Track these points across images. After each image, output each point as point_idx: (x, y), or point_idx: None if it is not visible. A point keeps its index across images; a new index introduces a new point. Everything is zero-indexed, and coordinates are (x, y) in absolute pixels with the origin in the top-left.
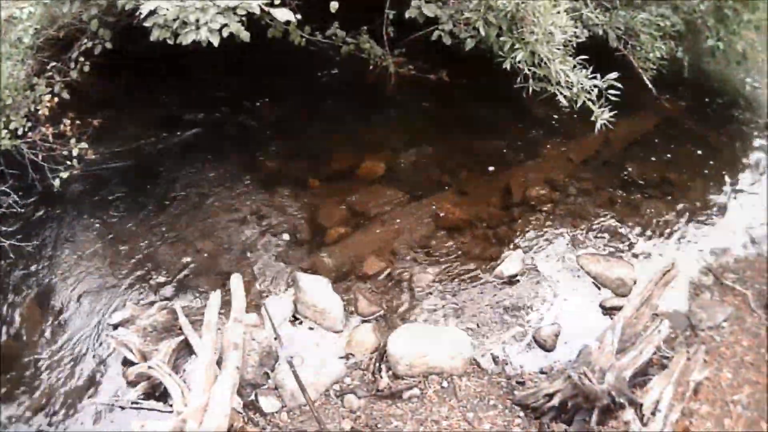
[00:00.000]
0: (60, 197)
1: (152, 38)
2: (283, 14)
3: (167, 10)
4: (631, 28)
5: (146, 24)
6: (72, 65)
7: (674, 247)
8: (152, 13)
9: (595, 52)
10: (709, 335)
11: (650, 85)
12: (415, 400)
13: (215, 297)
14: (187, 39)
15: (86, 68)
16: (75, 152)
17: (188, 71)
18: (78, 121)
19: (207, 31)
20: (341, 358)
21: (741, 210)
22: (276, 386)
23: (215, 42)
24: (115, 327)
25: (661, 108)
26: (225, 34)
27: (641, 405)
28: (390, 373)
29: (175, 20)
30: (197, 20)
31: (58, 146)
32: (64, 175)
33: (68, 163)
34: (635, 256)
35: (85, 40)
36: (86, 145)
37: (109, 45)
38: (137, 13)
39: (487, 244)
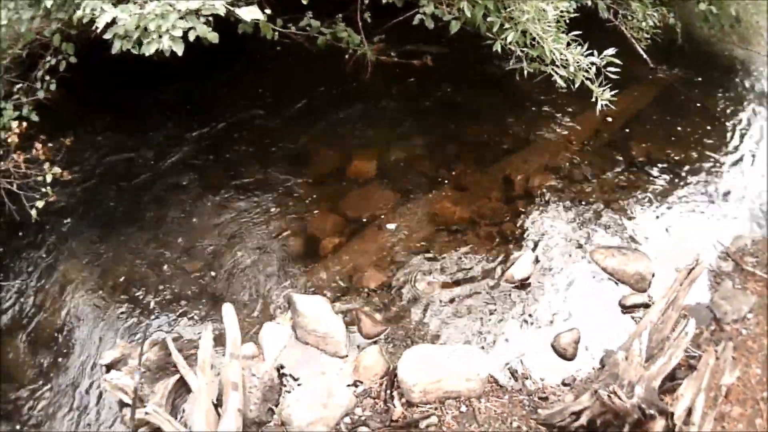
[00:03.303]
0: (39, 226)
1: (114, 51)
2: (250, 13)
3: (128, 18)
4: None
5: (106, 36)
6: (38, 85)
7: (688, 231)
8: (111, 24)
9: (585, 25)
10: (735, 329)
11: (645, 56)
12: (433, 429)
13: (207, 334)
14: (149, 49)
15: (53, 86)
16: (49, 178)
17: (160, 77)
18: (50, 143)
19: (169, 40)
20: (349, 386)
21: (752, 184)
22: (282, 422)
23: (179, 51)
24: (108, 368)
25: (657, 79)
26: (191, 38)
27: (672, 414)
28: (403, 400)
29: (136, 28)
30: (158, 27)
31: (32, 172)
32: (40, 204)
33: (43, 190)
34: (650, 245)
35: (49, 57)
36: (59, 170)
37: (73, 60)
38: (93, 27)
39: (492, 244)
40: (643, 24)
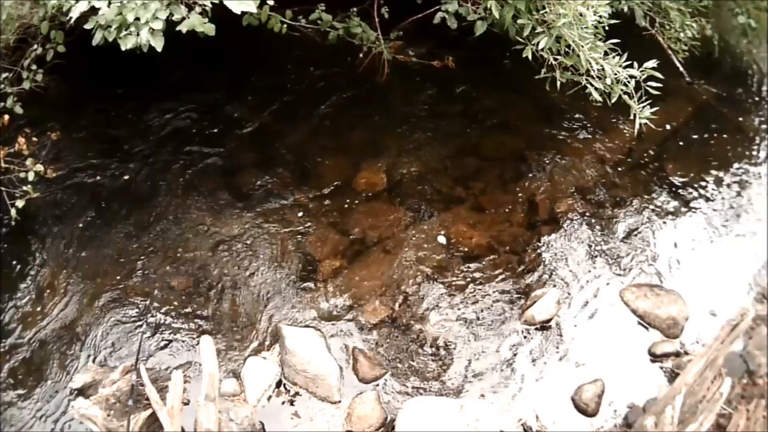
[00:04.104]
0: (19, 226)
1: (95, 42)
2: (240, 6)
3: (107, 7)
4: (657, 3)
5: (87, 26)
6: (24, 74)
7: (725, 267)
8: (94, 12)
9: (619, 33)
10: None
11: (682, 69)
12: None
13: (177, 376)
14: (126, 44)
15: (39, 77)
16: (31, 176)
17: (156, 67)
18: (35, 137)
19: (148, 33)
20: None
21: None
22: None
23: (159, 46)
24: (78, 392)
25: (693, 94)
26: (184, 29)
27: None
28: None
29: (119, 15)
30: (137, 19)
31: (15, 167)
32: (20, 204)
33: (24, 187)
34: (684, 283)
35: (36, 46)
36: (42, 167)
37: (62, 49)
38: (68, 18)
39: (512, 276)
40: (681, 35)
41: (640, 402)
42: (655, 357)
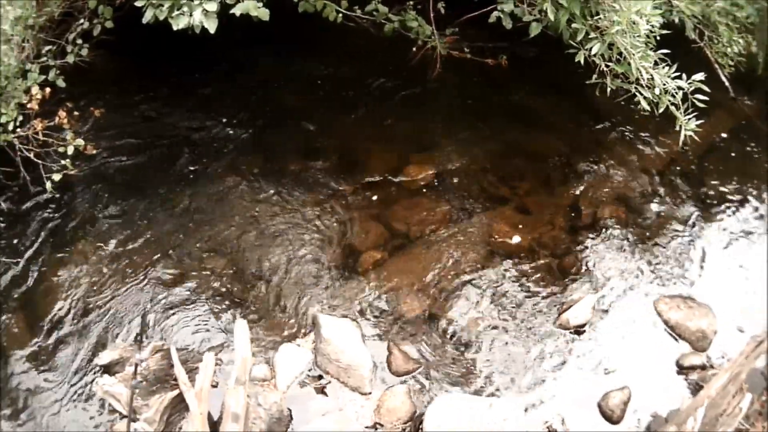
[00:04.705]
0: (54, 201)
1: (145, 20)
2: None
3: None
4: (707, 16)
5: (138, 4)
6: (69, 48)
7: (756, 283)
8: None
9: (668, 44)
10: None
11: (727, 84)
12: None
13: (209, 358)
14: (178, 24)
15: (84, 51)
16: (70, 150)
17: (205, 46)
18: (76, 112)
19: (201, 14)
20: (368, 428)
21: None
22: None
23: (212, 28)
24: (104, 369)
25: (736, 109)
26: (238, 12)
27: None
28: None
29: None
30: None
31: (55, 140)
32: (57, 177)
33: (62, 162)
34: (716, 296)
35: (82, 20)
36: (82, 142)
37: (110, 24)
38: None
39: (550, 279)
40: (728, 50)
41: (664, 412)
42: (681, 369)
